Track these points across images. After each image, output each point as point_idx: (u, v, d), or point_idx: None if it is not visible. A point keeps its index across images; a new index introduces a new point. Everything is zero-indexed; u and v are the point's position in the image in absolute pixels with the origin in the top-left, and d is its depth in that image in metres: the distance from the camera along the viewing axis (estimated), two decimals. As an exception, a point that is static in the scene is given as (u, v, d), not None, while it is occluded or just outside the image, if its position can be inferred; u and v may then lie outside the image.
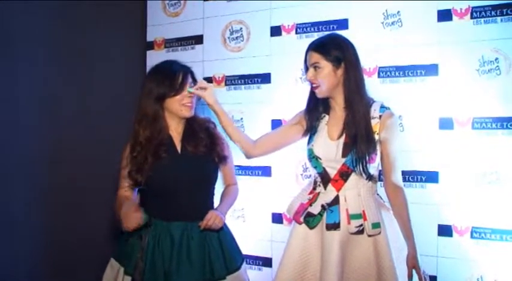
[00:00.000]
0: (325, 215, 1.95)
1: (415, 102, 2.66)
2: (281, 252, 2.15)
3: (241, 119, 3.14)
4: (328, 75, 1.98)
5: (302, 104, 2.85)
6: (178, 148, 2.08)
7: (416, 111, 2.66)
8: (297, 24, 2.98)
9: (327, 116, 2.09)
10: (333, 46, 2.02)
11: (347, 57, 2.00)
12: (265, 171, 3.03)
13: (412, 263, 2.00)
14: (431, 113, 2.62)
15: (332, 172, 1.97)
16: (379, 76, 2.74)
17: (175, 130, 2.12)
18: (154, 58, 3.47)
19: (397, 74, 2.70)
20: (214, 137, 2.16)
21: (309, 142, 2.06)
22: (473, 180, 2.53)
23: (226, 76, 3.21)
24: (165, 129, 2.08)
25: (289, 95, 2.95)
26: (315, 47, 2.04)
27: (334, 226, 1.91)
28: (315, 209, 1.97)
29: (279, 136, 2.21)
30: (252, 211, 3.01)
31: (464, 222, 2.55)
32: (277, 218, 2.93)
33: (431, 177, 2.62)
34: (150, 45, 3.55)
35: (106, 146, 3.86)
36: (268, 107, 3.04)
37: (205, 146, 2.09)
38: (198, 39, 3.32)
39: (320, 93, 2.01)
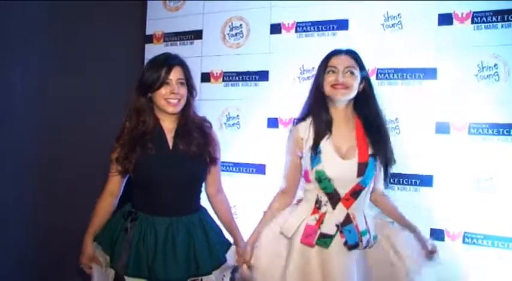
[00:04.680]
0: (338, 235, 1.91)
1: (412, 105, 2.66)
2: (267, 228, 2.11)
3: (237, 116, 3.13)
4: (357, 85, 1.95)
5: (299, 103, 2.86)
6: (170, 144, 2.04)
7: (413, 114, 2.66)
8: (297, 22, 2.97)
9: (330, 135, 1.97)
10: (361, 61, 2.00)
11: (369, 77, 2.01)
12: (260, 169, 3.02)
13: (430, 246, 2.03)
14: (428, 116, 2.62)
15: (343, 192, 1.91)
16: (377, 78, 2.73)
17: (169, 126, 2.07)
18: (153, 52, 3.45)
19: (395, 76, 2.70)
20: (208, 138, 2.10)
21: (313, 163, 1.93)
22: (467, 185, 2.53)
23: (224, 72, 3.20)
24: (151, 123, 2.03)
25: (286, 94, 2.94)
26: (350, 52, 2.00)
27: (355, 246, 1.90)
28: (330, 229, 1.90)
29: (296, 173, 2.07)
30: (244, 208, 3.00)
31: (457, 227, 2.55)
32: (269, 217, 2.91)
33: (425, 181, 2.62)
34: (149, 39, 3.54)
35: (104, 139, 3.86)
36: (265, 104, 3.03)
37: (197, 145, 2.03)
38: (198, 35, 3.31)
39: (347, 95, 1.93)
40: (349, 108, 1.99)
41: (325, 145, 1.94)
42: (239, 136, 3.13)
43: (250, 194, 3.00)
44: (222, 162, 3.03)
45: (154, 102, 2.03)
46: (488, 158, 2.50)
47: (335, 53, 2.00)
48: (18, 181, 3.46)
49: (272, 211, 2.10)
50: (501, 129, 2.47)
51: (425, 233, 2.58)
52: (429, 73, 2.62)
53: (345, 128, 1.98)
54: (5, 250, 3.40)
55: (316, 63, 2.86)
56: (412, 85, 2.66)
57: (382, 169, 2.00)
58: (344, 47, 2.07)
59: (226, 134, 3.12)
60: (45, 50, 3.57)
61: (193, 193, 2.12)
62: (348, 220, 1.91)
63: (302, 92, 2.87)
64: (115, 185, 2.11)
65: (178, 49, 3.34)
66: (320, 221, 1.92)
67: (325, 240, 1.90)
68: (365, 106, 1.98)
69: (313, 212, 1.95)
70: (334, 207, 1.92)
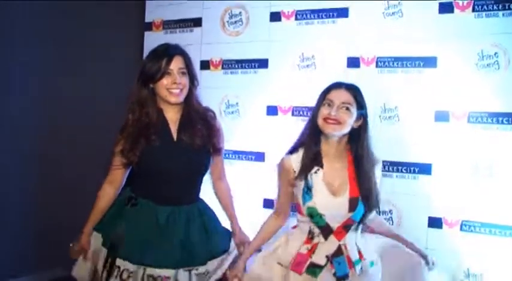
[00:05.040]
0: (328, 265, 1.91)
1: (412, 93, 2.66)
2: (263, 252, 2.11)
3: (237, 103, 3.13)
4: (351, 122, 1.91)
5: (298, 91, 2.88)
6: (174, 136, 2.04)
7: (412, 102, 2.66)
8: (297, 10, 2.96)
9: (321, 170, 1.96)
10: (362, 99, 1.96)
11: (367, 115, 1.98)
12: (259, 156, 3.03)
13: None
14: (427, 105, 2.62)
15: (335, 225, 1.92)
16: (377, 66, 2.74)
17: (172, 117, 2.06)
18: (152, 39, 3.44)
19: (395, 64, 2.69)
20: (212, 128, 2.09)
21: (305, 199, 1.93)
22: (466, 174, 2.54)
23: (224, 60, 3.19)
24: (154, 114, 2.02)
25: (286, 82, 2.94)
26: (351, 88, 1.95)
27: (344, 277, 1.91)
28: (320, 260, 1.92)
29: (288, 199, 2.06)
30: (243, 196, 3.00)
31: (455, 215, 2.57)
32: (268, 204, 2.93)
33: (424, 169, 2.63)
34: (149, 27, 3.52)
35: (104, 128, 3.86)
36: (264, 92, 3.03)
37: (201, 137, 2.03)
38: (197, 22, 3.30)
39: (338, 130, 1.90)
40: (342, 143, 1.97)
41: (316, 180, 1.93)
42: (238, 124, 3.13)
43: (249, 182, 3.01)
44: (223, 149, 3.05)
45: (157, 93, 2.02)
46: (488, 147, 2.51)
47: (335, 86, 1.96)
48: (18, 178, 3.47)
49: (265, 232, 2.12)
50: (501, 118, 2.47)
51: (424, 221, 2.62)
52: (429, 61, 2.62)
53: (337, 164, 1.97)
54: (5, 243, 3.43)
55: (316, 51, 2.90)
56: (412, 73, 2.66)
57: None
58: (347, 81, 2.01)
59: (226, 121, 3.11)
60: (44, 39, 3.57)
61: (196, 183, 2.13)
62: (339, 251, 1.92)
63: (301, 80, 2.90)
64: (117, 177, 2.10)
65: (177, 37, 3.33)
66: (312, 251, 1.94)
67: (314, 270, 1.91)
68: (357, 144, 1.96)
69: (306, 242, 1.96)
70: (326, 238, 1.93)
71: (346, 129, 1.91)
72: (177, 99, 2.01)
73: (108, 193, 2.10)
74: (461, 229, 2.55)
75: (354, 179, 1.93)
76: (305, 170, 1.94)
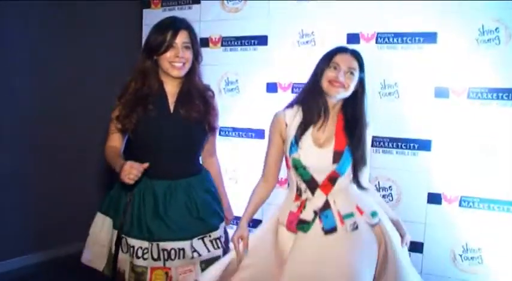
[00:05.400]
0: (317, 220, 1.93)
1: (411, 69, 2.65)
2: (271, 214, 2.12)
3: (237, 80, 3.13)
4: (354, 85, 1.94)
5: (298, 68, 2.86)
6: (171, 108, 2.04)
7: (412, 78, 2.65)
8: (296, -14, 2.93)
9: (312, 126, 2.00)
10: (363, 63, 1.99)
11: (364, 79, 2.00)
12: (258, 133, 3.04)
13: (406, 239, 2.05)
14: (427, 81, 2.62)
15: (320, 178, 1.94)
16: (376, 42, 2.72)
17: (171, 90, 2.07)
18: (151, 17, 3.42)
19: (395, 40, 2.68)
20: (209, 106, 2.09)
21: (291, 151, 1.97)
22: (465, 150, 2.55)
23: (223, 37, 3.17)
24: (155, 85, 2.03)
25: (285, 58, 2.93)
26: (355, 53, 1.98)
27: (332, 230, 1.92)
28: (308, 215, 1.94)
29: (278, 159, 2.08)
30: (244, 173, 3.03)
31: (454, 191, 2.59)
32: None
33: (423, 145, 2.64)
34: (147, 4, 3.49)
35: (101, 102, 3.87)
36: (263, 69, 3.02)
37: (198, 112, 2.03)
38: (196, -1, 3.28)
39: (341, 94, 1.93)
40: (337, 106, 2.00)
41: (305, 135, 1.96)
42: (238, 101, 3.13)
43: (249, 159, 3.02)
44: (222, 127, 3.06)
45: (160, 65, 2.02)
46: (487, 123, 2.51)
47: (341, 50, 1.98)
48: (17, 153, 3.50)
49: (255, 199, 2.11)
50: (500, 94, 2.47)
51: (423, 197, 2.64)
52: (429, 37, 2.60)
53: (330, 120, 1.99)
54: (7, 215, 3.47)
55: (315, 28, 2.88)
56: (412, 49, 2.64)
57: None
58: (349, 46, 2.03)
59: (226, 99, 3.12)
60: (41, 16, 3.56)
61: (192, 156, 2.13)
62: (326, 205, 1.94)
63: (301, 57, 2.88)
64: (115, 141, 2.11)
65: (176, 14, 3.28)
66: (301, 208, 1.96)
67: (303, 226, 1.94)
68: (353, 106, 1.98)
69: (295, 199, 1.99)
70: (313, 193, 1.95)
71: (349, 93, 1.94)
72: (179, 73, 2.01)
73: (116, 149, 2.10)
74: (460, 205, 2.57)
75: (340, 134, 1.96)
76: (306, 125, 1.96)
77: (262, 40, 3.04)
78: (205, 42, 3.21)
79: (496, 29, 2.46)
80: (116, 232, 2.02)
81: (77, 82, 3.81)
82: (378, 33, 2.72)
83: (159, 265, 1.96)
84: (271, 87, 3.01)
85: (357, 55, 1.97)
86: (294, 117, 2.00)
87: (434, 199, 2.62)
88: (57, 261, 3.67)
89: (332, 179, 1.94)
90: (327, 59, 1.97)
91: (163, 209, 1.98)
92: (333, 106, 1.98)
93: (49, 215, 3.69)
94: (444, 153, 2.60)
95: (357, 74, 1.94)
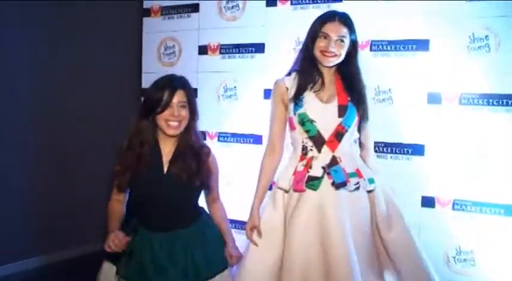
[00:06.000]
0: (326, 176, 1.99)
1: (405, 76, 2.71)
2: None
3: (235, 87, 3.18)
4: (345, 51, 2.03)
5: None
6: (165, 168, 2.08)
7: (405, 85, 2.71)
8: (293, -5, 3.00)
9: (312, 85, 2.08)
10: (353, 26, 2.06)
11: (357, 39, 2.08)
12: (256, 139, 3.10)
13: None
14: (420, 87, 2.67)
15: (326, 134, 2.00)
16: (371, 50, 2.78)
17: (166, 149, 2.11)
18: (150, 25, 3.49)
19: (388, 48, 2.74)
20: (203, 165, 2.13)
21: (296, 109, 2.04)
22: (457, 154, 2.61)
23: (221, 45, 3.24)
24: (150, 145, 2.08)
25: (282, 65, 2.97)
26: (344, 19, 2.03)
27: (342, 185, 1.98)
28: (317, 172, 1.99)
29: (283, 126, 2.16)
30: (241, 178, 3.07)
31: (447, 194, 2.64)
32: (266, 185, 2.98)
33: (417, 150, 2.69)
34: (147, 12, 3.54)
35: (101, 102, 3.94)
36: (261, 76, 3.08)
37: (188, 172, 2.07)
38: (194, 8, 3.33)
39: (333, 62, 2.03)
40: (333, 68, 2.09)
41: (307, 93, 2.05)
42: (236, 107, 3.19)
43: (247, 164, 3.06)
44: (220, 132, 3.12)
45: (157, 124, 2.07)
46: (478, 128, 2.57)
47: (330, 18, 2.03)
48: (17, 153, 3.54)
49: (265, 173, 2.18)
50: (491, 100, 2.53)
51: (417, 201, 2.69)
52: (422, 44, 2.66)
53: (328, 78, 2.09)
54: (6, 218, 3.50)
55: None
56: (405, 56, 2.71)
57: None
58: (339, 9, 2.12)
59: (224, 105, 3.19)
60: (41, 22, 3.60)
61: (186, 209, 2.17)
62: (334, 161, 1.99)
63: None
64: (119, 196, 2.17)
65: (175, 22, 3.38)
66: (308, 166, 2.00)
67: (313, 183, 1.98)
68: (348, 66, 2.07)
69: (301, 159, 2.03)
70: (319, 150, 2.00)
71: (341, 59, 2.03)
72: (175, 132, 2.06)
73: (117, 207, 2.17)
74: (453, 208, 2.62)
75: (342, 91, 2.04)
76: (303, 86, 2.05)
77: (259, 48, 3.10)
78: (203, 49, 3.28)
79: (486, 37, 2.53)
80: (117, 277, 2.05)
81: (77, 82, 3.86)
82: (372, 41, 2.78)
83: None
84: (269, 94, 3.02)
85: (345, 19, 2.03)
86: (294, 81, 2.09)
87: (427, 202, 2.67)
88: (55, 266, 3.72)
89: (338, 135, 2.00)
90: (317, 29, 2.04)
91: (160, 261, 2.02)
92: (328, 70, 2.07)
93: (49, 218, 3.74)
94: (437, 157, 2.65)
95: (347, 39, 2.01)
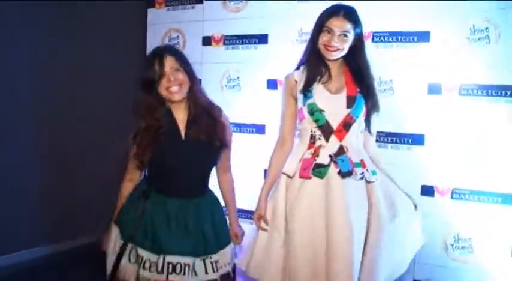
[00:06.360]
0: (332, 165, 2.03)
1: (406, 67, 2.76)
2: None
3: (238, 78, 3.23)
4: (348, 45, 2.06)
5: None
6: (183, 134, 2.09)
7: (407, 76, 2.76)
8: (296, -14, 3.02)
9: (320, 77, 2.12)
10: (358, 19, 2.08)
11: (363, 33, 2.12)
12: (259, 129, 3.15)
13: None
14: (421, 78, 2.72)
15: (335, 124, 2.04)
16: (373, 41, 2.82)
17: (181, 116, 2.11)
18: (155, 16, 3.52)
19: (390, 39, 2.78)
20: (218, 124, 2.13)
21: (305, 99, 2.07)
22: (456, 144, 2.66)
23: (225, 36, 3.28)
24: (163, 117, 2.08)
25: (285, 56, 3.01)
26: (347, 15, 2.05)
27: (348, 174, 2.02)
28: (324, 159, 2.03)
29: (293, 119, 2.20)
30: (244, 168, 3.11)
31: (446, 183, 2.69)
32: (269, 175, 3.03)
33: (417, 139, 2.74)
34: (152, 3, 3.58)
35: (101, 102, 3.97)
36: (264, 66, 3.12)
37: (207, 132, 2.08)
38: (198, -1, 3.37)
39: (336, 56, 2.07)
40: (339, 60, 2.12)
41: (316, 85, 2.09)
42: (239, 97, 3.23)
43: (250, 154, 3.12)
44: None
45: (161, 95, 2.07)
46: (478, 118, 2.62)
47: (334, 13, 2.05)
48: (17, 153, 3.58)
49: (275, 165, 2.22)
50: (490, 91, 2.58)
51: (417, 190, 2.73)
52: (423, 36, 2.70)
53: (336, 71, 2.12)
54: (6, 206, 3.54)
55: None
56: (407, 48, 2.75)
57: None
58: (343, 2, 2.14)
59: (227, 95, 3.23)
60: (44, 16, 3.62)
61: (203, 178, 2.19)
62: (341, 150, 2.03)
63: (300, 55, 2.97)
64: (135, 175, 2.20)
65: (179, 13, 3.42)
66: (315, 154, 2.05)
67: (319, 170, 2.02)
68: (355, 58, 2.11)
69: (309, 147, 2.08)
70: (327, 140, 2.04)
71: (344, 53, 2.07)
72: (179, 96, 2.05)
73: (130, 188, 2.20)
74: (451, 197, 2.68)
75: (351, 82, 2.09)
76: (312, 79, 2.09)
77: (262, 39, 3.14)
78: (207, 40, 3.32)
79: (486, 29, 2.57)
80: (121, 242, 2.09)
81: (77, 82, 3.88)
82: (373, 33, 2.82)
83: (162, 278, 2.02)
84: (272, 84, 3.11)
85: (350, 15, 2.05)
86: (302, 74, 2.13)
87: (427, 191, 2.73)
88: (55, 266, 3.70)
89: (346, 125, 2.04)
90: (321, 23, 2.07)
91: (175, 226, 2.05)
92: (333, 63, 2.11)
93: (48, 217, 3.79)
94: (437, 147, 2.71)
95: (350, 34, 2.04)
